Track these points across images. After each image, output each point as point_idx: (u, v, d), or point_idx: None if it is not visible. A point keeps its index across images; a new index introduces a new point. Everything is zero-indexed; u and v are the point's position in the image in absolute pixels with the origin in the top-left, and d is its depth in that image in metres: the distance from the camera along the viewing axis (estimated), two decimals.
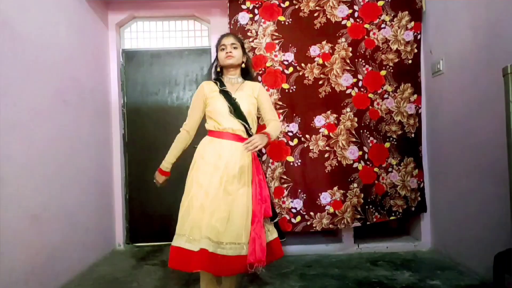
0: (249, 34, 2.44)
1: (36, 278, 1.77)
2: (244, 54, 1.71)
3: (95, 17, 2.57)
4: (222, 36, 1.72)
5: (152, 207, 2.85)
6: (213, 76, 1.78)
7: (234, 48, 1.65)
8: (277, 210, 2.32)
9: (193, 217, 1.48)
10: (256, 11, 2.46)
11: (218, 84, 1.67)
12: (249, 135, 1.59)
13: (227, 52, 1.64)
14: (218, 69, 1.71)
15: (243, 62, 1.70)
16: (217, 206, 1.47)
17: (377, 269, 2.12)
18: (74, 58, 2.24)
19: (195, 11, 2.82)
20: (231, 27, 2.48)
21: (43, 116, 1.89)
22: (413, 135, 2.52)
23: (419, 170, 2.52)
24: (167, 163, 1.70)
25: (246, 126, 1.59)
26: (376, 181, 2.44)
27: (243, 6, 2.47)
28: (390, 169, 2.47)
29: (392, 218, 2.47)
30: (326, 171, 2.42)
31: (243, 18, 2.46)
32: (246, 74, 1.74)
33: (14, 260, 1.62)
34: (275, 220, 1.66)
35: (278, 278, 2.00)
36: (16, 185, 1.66)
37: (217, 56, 1.70)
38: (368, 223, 2.42)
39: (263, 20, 2.48)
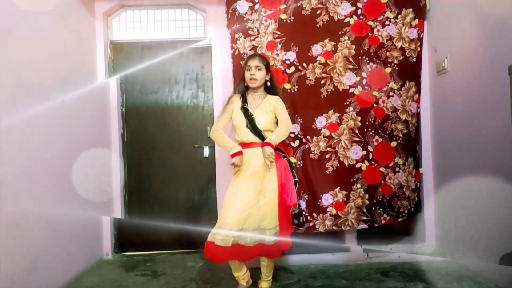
0: (250, 32, 2.24)
1: None
2: (267, 73, 1.86)
3: (80, 5, 2.29)
4: (249, 57, 1.89)
5: (150, 209, 2.60)
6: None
7: (258, 70, 1.82)
8: None
9: (233, 213, 1.68)
10: None
11: (241, 99, 1.86)
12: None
13: (251, 74, 1.81)
14: (246, 85, 1.88)
15: (266, 80, 1.87)
16: (249, 202, 1.69)
17: (388, 281, 1.87)
18: (58, 50, 1.97)
19: None
20: (229, 16, 2.25)
21: (43, 119, 1.74)
22: (413, 135, 2.37)
23: (416, 170, 2.37)
24: (234, 145, 1.79)
25: (260, 140, 1.78)
26: (382, 181, 2.25)
27: None
28: (397, 169, 2.29)
29: (400, 219, 2.30)
30: (327, 172, 2.23)
31: (241, 6, 2.24)
32: (270, 89, 1.90)
33: None
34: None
35: None
36: (8, 187, 1.49)
37: (243, 74, 1.88)
38: (376, 225, 2.23)
39: (263, 10, 2.25)
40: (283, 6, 2.27)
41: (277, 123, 1.86)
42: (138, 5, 2.60)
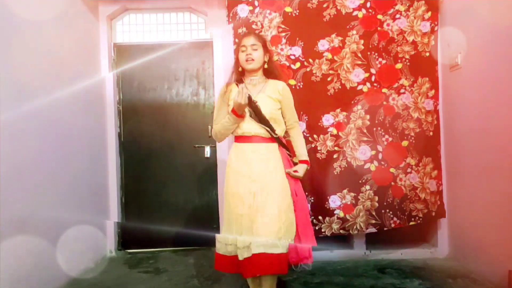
0: (254, 26, 2.79)
1: (22, 287, 2.06)
2: (266, 53, 2.02)
3: (84, 8, 2.95)
4: (243, 36, 2.07)
5: (148, 212, 3.25)
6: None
7: (255, 49, 1.96)
8: None
9: (236, 226, 1.91)
10: (256, 3, 2.82)
11: (239, 86, 1.99)
12: (273, 136, 1.98)
13: (247, 55, 1.95)
14: (240, 69, 2.04)
15: (265, 62, 2.02)
16: (253, 211, 1.87)
17: (385, 277, 2.46)
18: (63, 52, 2.58)
19: (191, 3, 3.22)
20: (230, 20, 2.85)
21: (32, 116, 2.19)
22: (431, 133, 2.86)
23: (438, 171, 2.87)
24: (228, 117, 1.96)
25: (268, 129, 1.95)
26: (392, 183, 2.78)
27: None
28: (409, 170, 2.81)
29: (411, 223, 2.81)
30: (335, 173, 2.77)
31: (242, 10, 2.83)
32: (270, 72, 2.08)
33: None
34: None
35: (280, 287, 2.31)
36: (1, 187, 1.90)
37: (238, 57, 2.03)
38: (385, 228, 2.76)
39: (263, 13, 2.82)
40: (288, 9, 2.82)
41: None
42: (141, 8, 3.30)
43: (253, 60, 1.95)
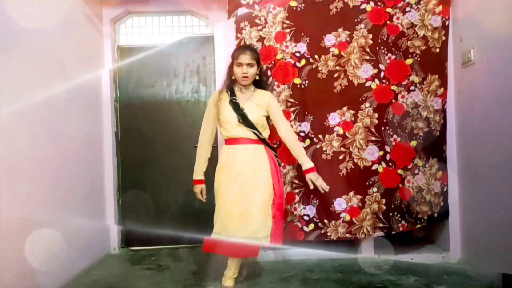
0: (257, 21, 3.55)
1: (27, 285, 2.66)
2: (258, 66, 2.97)
3: (89, 12, 3.82)
4: (239, 52, 2.95)
5: (147, 211, 4.13)
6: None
7: (251, 66, 2.91)
8: (289, 218, 3.58)
9: (224, 219, 2.87)
10: (256, 6, 3.64)
11: (229, 93, 2.95)
12: (260, 139, 2.92)
13: (243, 73, 2.89)
14: (233, 77, 2.98)
15: (257, 74, 2.98)
16: (238, 206, 2.82)
17: (382, 274, 3.29)
18: (66, 54, 3.31)
19: (192, 6, 4.12)
20: None
21: (28, 114, 2.73)
22: (438, 133, 3.63)
23: (443, 172, 3.65)
24: (196, 172, 3.07)
25: (256, 132, 2.88)
26: (400, 185, 3.56)
27: (243, 1, 3.64)
28: (416, 171, 3.59)
29: (418, 226, 3.60)
30: (341, 174, 3.56)
31: (242, 13, 3.66)
32: (259, 82, 3.03)
33: (3, 266, 2.39)
34: None
35: (278, 283, 3.18)
36: (4, 188, 2.40)
37: (232, 65, 2.97)
38: (393, 232, 3.52)
39: (267, 7, 3.61)
40: (293, 3, 3.57)
41: (267, 118, 3.03)
42: (143, 12, 4.23)
43: (247, 77, 2.91)
